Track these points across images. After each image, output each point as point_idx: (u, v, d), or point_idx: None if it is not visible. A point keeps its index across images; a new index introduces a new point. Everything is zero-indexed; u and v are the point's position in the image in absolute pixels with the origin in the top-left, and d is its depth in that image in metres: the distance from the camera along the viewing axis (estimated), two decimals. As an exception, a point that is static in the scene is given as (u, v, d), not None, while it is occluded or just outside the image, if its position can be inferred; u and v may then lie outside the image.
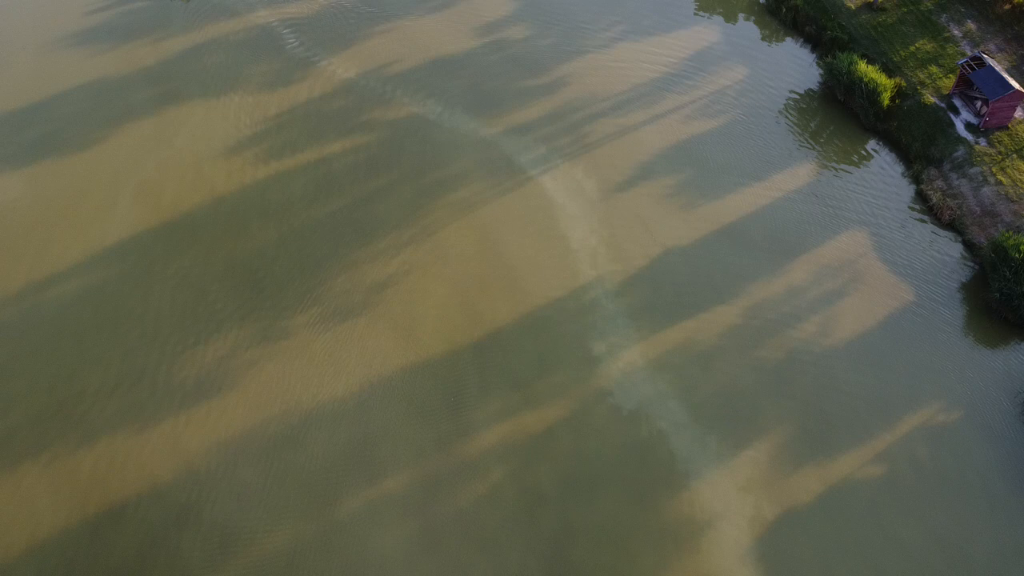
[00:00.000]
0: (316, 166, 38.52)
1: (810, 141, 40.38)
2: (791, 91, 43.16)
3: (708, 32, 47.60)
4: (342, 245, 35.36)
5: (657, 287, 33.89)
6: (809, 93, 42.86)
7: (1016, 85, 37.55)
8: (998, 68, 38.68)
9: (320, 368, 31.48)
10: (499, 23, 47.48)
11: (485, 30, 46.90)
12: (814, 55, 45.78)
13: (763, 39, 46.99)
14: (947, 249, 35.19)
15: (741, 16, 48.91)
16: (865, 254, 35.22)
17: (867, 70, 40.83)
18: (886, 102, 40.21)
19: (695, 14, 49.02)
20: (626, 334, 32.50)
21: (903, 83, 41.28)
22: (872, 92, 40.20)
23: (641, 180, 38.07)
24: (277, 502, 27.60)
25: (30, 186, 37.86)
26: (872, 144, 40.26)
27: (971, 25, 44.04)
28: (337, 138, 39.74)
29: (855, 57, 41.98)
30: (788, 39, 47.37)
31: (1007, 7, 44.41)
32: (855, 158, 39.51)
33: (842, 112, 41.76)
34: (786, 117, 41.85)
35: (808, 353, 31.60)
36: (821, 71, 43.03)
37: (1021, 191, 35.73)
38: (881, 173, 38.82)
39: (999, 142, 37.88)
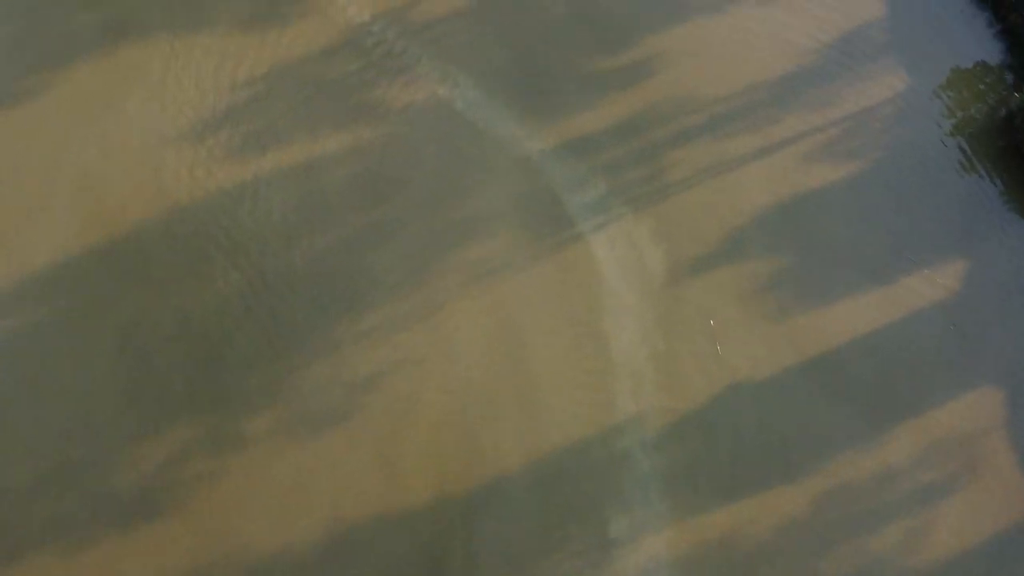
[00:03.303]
0: (303, 175, 29.34)
1: (973, 224, 29.16)
2: (972, 128, 30.29)
3: None
4: (323, 313, 27.89)
5: (711, 442, 26.50)
6: (1000, 127, 30.31)
7: None
8: None
9: (282, 500, 25.45)
10: None
11: None
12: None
13: (949, 26, 32.50)
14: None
15: None
16: (993, 430, 26.70)
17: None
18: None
19: None
20: (657, 510, 25.73)
21: None
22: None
23: (724, 259, 28.53)
24: None
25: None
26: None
27: None
28: (334, 130, 29.91)
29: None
30: (988, 33, 33.44)
31: None
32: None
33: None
34: (951, 172, 30.26)
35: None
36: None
37: None
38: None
39: None
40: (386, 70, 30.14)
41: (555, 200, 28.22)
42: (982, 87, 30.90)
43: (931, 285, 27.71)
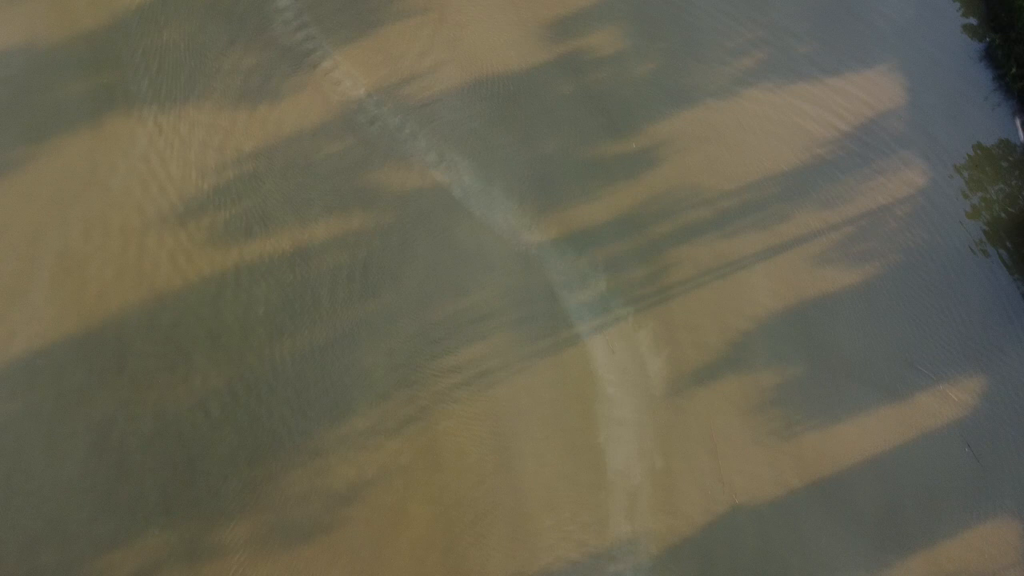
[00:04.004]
0: (290, 263, 28.12)
1: (994, 335, 27.12)
2: (997, 229, 28.43)
3: (890, 79, 31.14)
4: (305, 416, 26.60)
5: (708, 570, 25.40)
6: None
7: None
8: None
9: (254, 617, 25.22)
10: (585, 18, 31.62)
11: (563, 29, 31.46)
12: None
13: (973, 117, 30.40)
14: None
15: (947, 57, 32.53)
16: (1011, 568, 25.60)
17: None
18: None
19: (876, 39, 32.51)
20: (651, 642, 24.98)
21: None
22: None
23: (729, 369, 27.18)
24: None
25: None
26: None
27: None
28: (324, 214, 28.59)
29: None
30: (1014, 124, 30.50)
31: None
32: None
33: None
34: (972, 278, 28.32)
35: None
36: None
37: None
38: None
39: None
40: (380, 151, 28.80)
41: (552, 298, 26.92)
42: (1008, 187, 29.41)
43: (946, 402, 26.31)
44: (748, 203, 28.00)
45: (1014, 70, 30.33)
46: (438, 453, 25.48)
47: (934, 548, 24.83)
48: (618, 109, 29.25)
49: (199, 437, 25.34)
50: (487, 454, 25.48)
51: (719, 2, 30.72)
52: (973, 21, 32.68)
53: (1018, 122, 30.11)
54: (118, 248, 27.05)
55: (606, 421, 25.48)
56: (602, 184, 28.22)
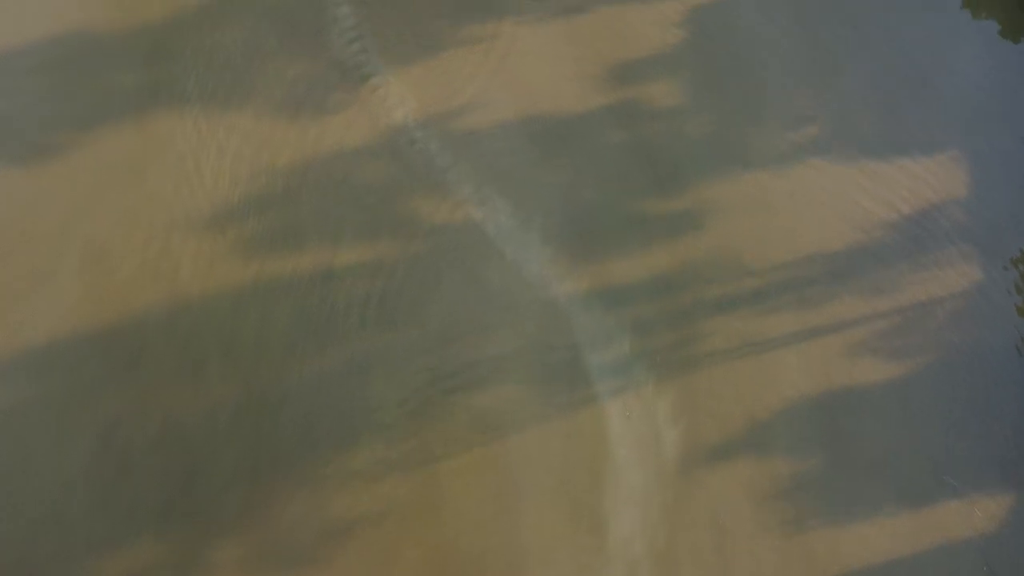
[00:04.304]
0: (314, 283, 27.71)
1: None
2: None
3: (958, 165, 29.29)
4: (310, 441, 26.33)
5: None
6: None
7: None
8: None
9: (234, 641, 25.05)
10: (647, 65, 30.64)
11: (622, 75, 30.40)
12: None
13: None
14: None
15: (1021, 150, 31.47)
16: None
17: None
18: None
19: (950, 119, 30.84)
20: None
21: None
22: None
23: (746, 451, 26.18)
24: None
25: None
26: None
27: None
28: (355, 239, 28.21)
29: None
30: None
31: None
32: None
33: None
34: (1015, 389, 26.86)
35: None
36: None
37: None
38: None
39: None
40: (419, 178, 28.30)
41: (575, 354, 26.23)
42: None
43: (969, 518, 25.02)
44: (790, 279, 26.98)
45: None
46: (438, 494, 24.97)
47: (937, 670, 23.92)
48: (669, 164, 28.37)
49: (203, 447, 25.25)
50: (488, 501, 24.93)
51: (791, 63, 29.52)
52: (1053, 111, 31.22)
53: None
54: (145, 245, 26.77)
55: (614, 487, 24.78)
56: (641, 241, 27.41)
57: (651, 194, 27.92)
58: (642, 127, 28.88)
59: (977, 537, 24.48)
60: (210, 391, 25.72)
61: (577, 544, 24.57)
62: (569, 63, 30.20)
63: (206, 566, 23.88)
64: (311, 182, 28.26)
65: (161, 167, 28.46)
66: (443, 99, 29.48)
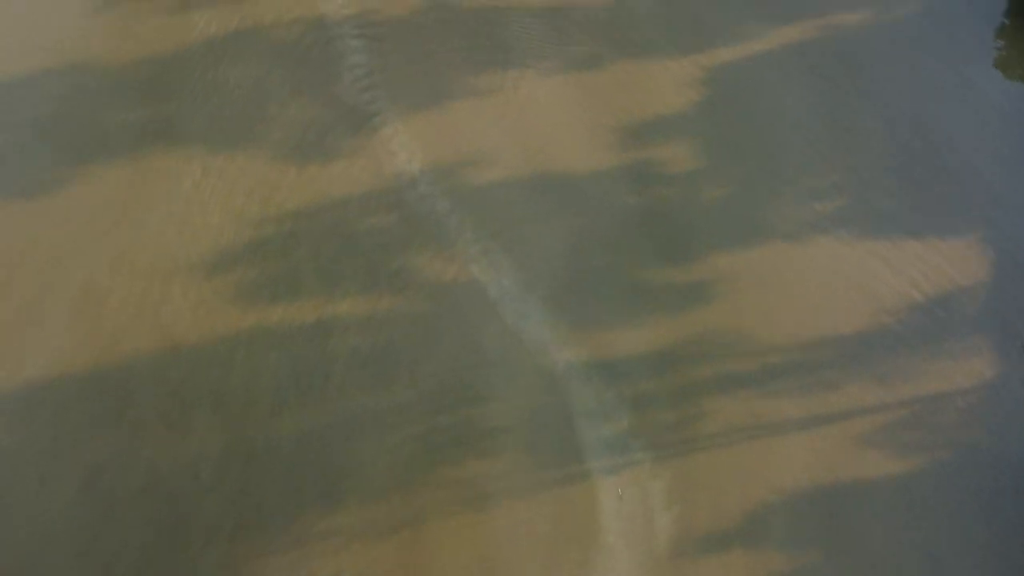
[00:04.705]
0: (309, 336, 26.93)
1: None
2: None
3: (975, 253, 27.74)
4: (296, 499, 25.55)
5: None
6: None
7: None
8: None
9: None
10: (662, 127, 29.85)
11: (637, 134, 29.56)
12: None
13: None
14: None
15: None
16: None
17: None
18: None
19: (967, 204, 29.08)
20: None
21: None
22: None
23: (741, 542, 24.95)
24: None
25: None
26: None
27: None
28: (354, 291, 27.38)
29: None
30: None
31: None
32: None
33: None
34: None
35: None
36: None
37: None
38: None
39: None
40: (424, 233, 27.67)
41: (570, 426, 25.44)
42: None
43: (970, 629, 24.24)
44: (797, 363, 26.05)
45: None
46: (423, 559, 24.24)
47: None
48: (679, 232, 27.59)
49: (186, 500, 24.58)
50: (473, 570, 24.33)
51: (808, 135, 28.71)
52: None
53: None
54: (141, 291, 26.47)
55: (601, 571, 24.07)
56: (646, 311, 26.61)
57: (659, 262, 27.14)
58: (654, 191, 28.13)
59: (977, 649, 23.59)
60: (195, 444, 25.00)
61: (561, 626, 24.00)
62: (584, 119, 29.47)
63: (181, 626, 23.51)
64: (313, 229, 27.67)
65: (164, 209, 27.93)
66: (452, 151, 28.90)
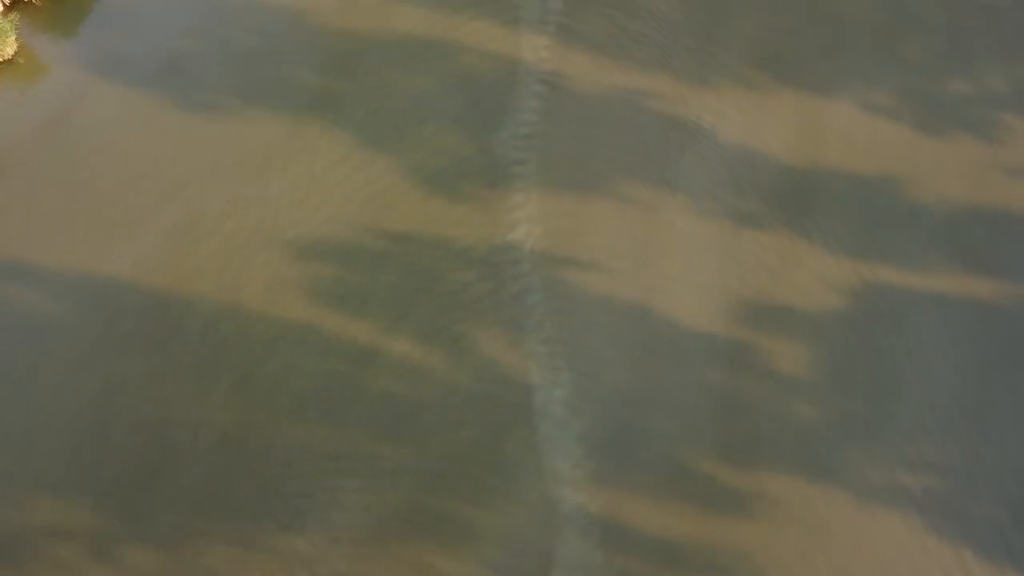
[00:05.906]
0: (352, 359, 26.29)
1: None
2: None
3: None
4: (266, 506, 23.91)
5: None
6: None
7: None
8: None
9: None
10: (785, 318, 26.43)
11: (755, 313, 26.41)
12: None
13: None
14: None
15: None
16: None
17: None
18: None
19: None
20: None
21: None
22: None
23: None
24: None
25: (122, 140, 28.73)
26: None
27: None
28: (411, 333, 26.40)
29: None
30: None
31: None
32: None
33: None
34: None
35: None
36: None
37: None
38: None
39: None
40: (503, 311, 26.84)
41: (546, 569, 23.83)
42: None
43: None
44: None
45: None
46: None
47: None
48: (748, 433, 25.14)
49: (175, 455, 24.99)
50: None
51: (939, 398, 25.18)
52: None
53: None
54: (235, 244, 27.20)
55: None
56: (676, 495, 24.44)
57: (714, 453, 24.91)
58: (745, 380, 25.82)
59: None
60: (211, 406, 25.42)
61: None
62: (710, 273, 27.55)
63: (117, 562, 23.91)
64: (406, 259, 27.54)
65: (289, 176, 28.74)
66: (569, 245, 27.81)
